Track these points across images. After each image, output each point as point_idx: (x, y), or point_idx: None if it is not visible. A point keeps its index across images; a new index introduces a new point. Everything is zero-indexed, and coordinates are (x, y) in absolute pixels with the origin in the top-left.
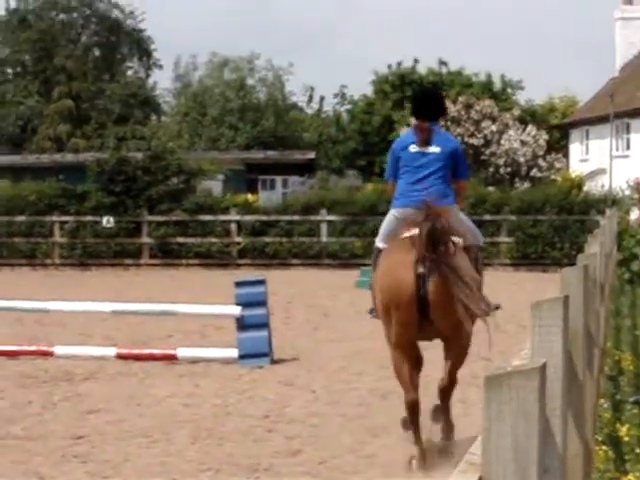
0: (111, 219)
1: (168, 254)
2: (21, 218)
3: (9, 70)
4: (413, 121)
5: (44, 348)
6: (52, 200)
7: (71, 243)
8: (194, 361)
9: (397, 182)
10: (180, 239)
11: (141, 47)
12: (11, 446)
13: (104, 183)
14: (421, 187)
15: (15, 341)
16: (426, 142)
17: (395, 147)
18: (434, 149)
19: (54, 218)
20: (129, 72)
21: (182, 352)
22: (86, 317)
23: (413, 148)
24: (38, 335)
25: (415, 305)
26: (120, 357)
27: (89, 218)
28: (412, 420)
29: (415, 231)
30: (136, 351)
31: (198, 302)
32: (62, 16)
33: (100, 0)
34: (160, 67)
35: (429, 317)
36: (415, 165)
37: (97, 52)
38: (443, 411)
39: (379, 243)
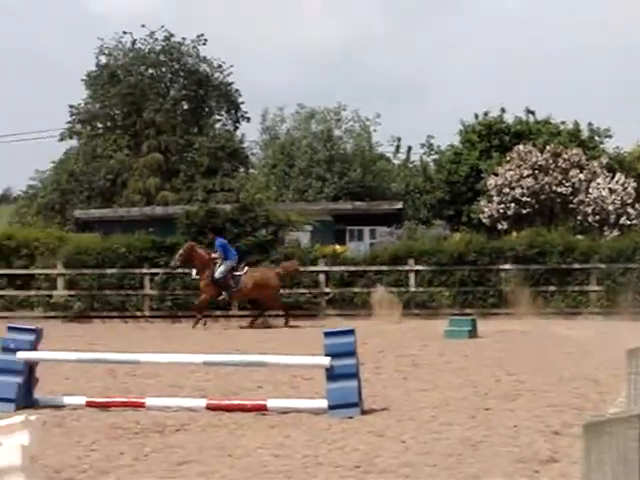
0: None
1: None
2: (112, 271)
3: (99, 125)
4: None
5: (135, 400)
6: (142, 252)
7: (161, 295)
8: (284, 412)
9: None
10: None
11: (229, 100)
12: None
13: (193, 235)
14: None
15: (107, 393)
16: None
17: None
18: None
19: (144, 270)
20: (217, 125)
21: (272, 403)
22: (177, 368)
23: None
24: (129, 387)
25: None
26: (210, 408)
27: (179, 270)
28: None
29: None
30: (226, 402)
31: (286, 353)
32: (151, 71)
33: (188, 54)
34: (248, 119)
35: None
36: None
37: (185, 105)
38: None
39: None
